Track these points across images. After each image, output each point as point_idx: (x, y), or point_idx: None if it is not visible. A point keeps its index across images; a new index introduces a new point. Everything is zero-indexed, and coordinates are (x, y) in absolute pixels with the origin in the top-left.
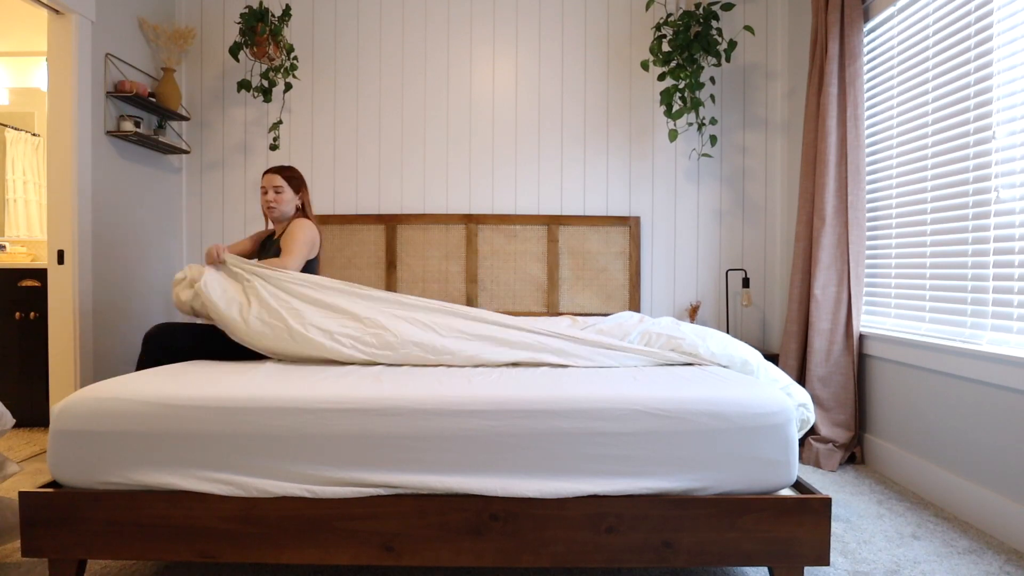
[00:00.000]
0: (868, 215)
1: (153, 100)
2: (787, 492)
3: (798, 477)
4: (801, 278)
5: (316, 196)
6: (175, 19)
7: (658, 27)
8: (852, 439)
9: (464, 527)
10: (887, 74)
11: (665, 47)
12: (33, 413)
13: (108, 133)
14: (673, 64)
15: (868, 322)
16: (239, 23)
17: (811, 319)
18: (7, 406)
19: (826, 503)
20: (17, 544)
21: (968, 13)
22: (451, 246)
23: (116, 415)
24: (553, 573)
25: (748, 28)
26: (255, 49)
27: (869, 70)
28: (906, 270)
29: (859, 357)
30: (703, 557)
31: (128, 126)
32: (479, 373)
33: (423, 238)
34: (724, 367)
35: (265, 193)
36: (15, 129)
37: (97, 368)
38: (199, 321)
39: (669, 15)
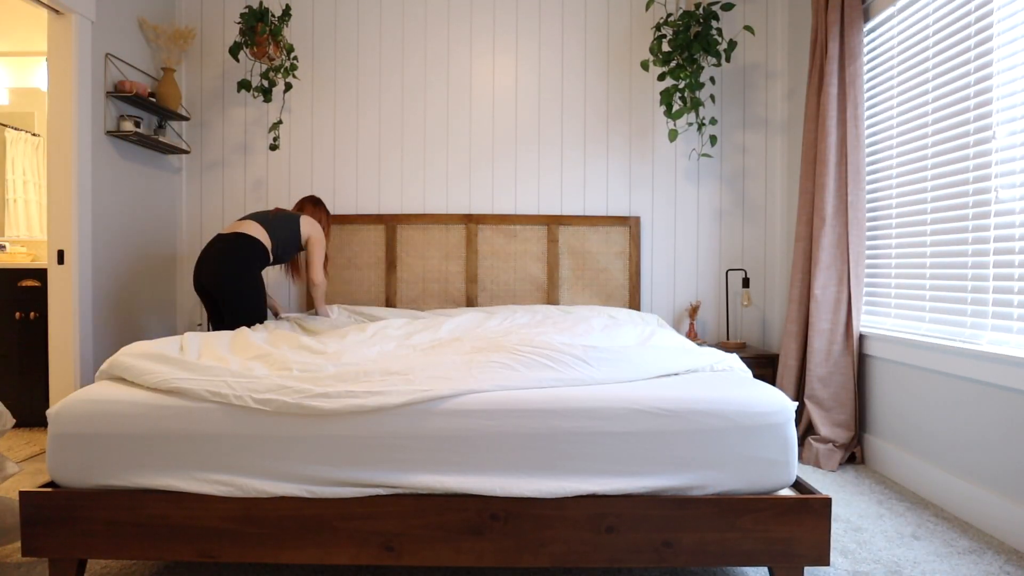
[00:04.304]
0: (868, 215)
1: (153, 100)
2: (787, 492)
3: (798, 477)
4: (801, 278)
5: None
6: (175, 19)
7: (658, 27)
8: (852, 439)
9: (464, 527)
10: (887, 74)
11: (665, 47)
12: (33, 413)
13: (108, 133)
14: (673, 64)
15: (868, 322)
16: (239, 23)
17: (811, 319)
18: (7, 406)
19: (826, 503)
20: (17, 544)
21: (968, 13)
22: (451, 246)
23: (113, 417)
24: (553, 573)
25: (748, 28)
26: (255, 49)
27: (869, 70)
28: (906, 270)
29: (859, 357)
30: (703, 557)
31: (128, 126)
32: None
33: (423, 238)
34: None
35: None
36: (15, 129)
37: (97, 368)
38: None
39: (669, 15)
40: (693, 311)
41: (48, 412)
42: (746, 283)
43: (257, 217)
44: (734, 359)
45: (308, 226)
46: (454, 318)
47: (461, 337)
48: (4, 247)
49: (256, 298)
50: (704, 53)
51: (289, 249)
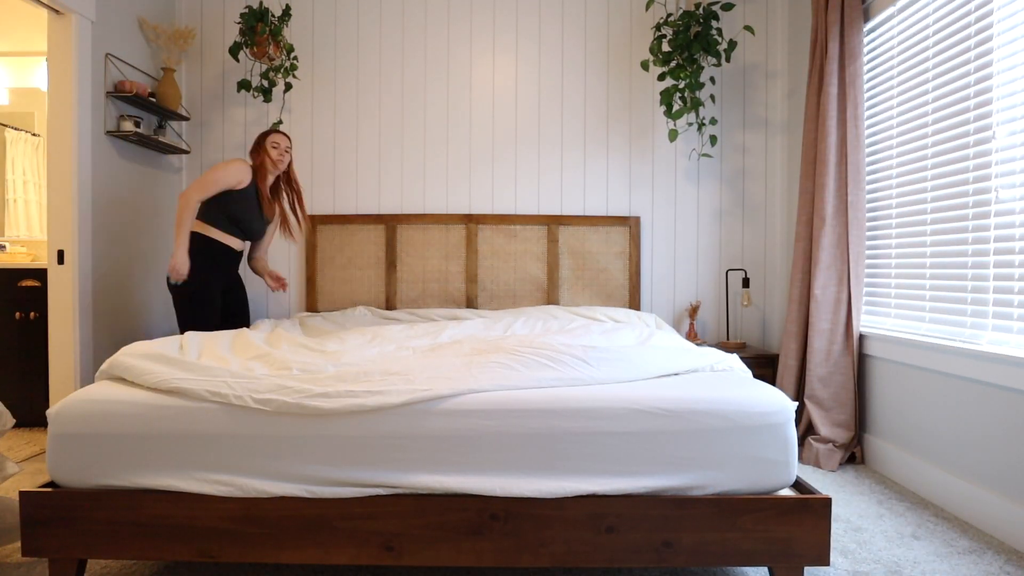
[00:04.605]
0: (868, 215)
1: (153, 100)
2: (787, 492)
3: (798, 477)
4: (801, 278)
5: (316, 196)
6: (175, 19)
7: (658, 27)
8: (852, 439)
9: (464, 527)
10: (887, 74)
11: (665, 47)
12: (33, 413)
13: (108, 133)
14: (673, 64)
15: (868, 322)
16: (239, 23)
17: (811, 319)
18: (7, 406)
19: (826, 503)
20: (17, 544)
21: (968, 13)
22: (451, 246)
23: (113, 417)
24: (553, 573)
25: (748, 28)
26: (255, 49)
27: (869, 70)
28: (906, 270)
29: (859, 357)
30: (703, 557)
31: (128, 126)
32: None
33: (423, 238)
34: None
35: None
36: (15, 129)
37: (97, 368)
38: None
39: (669, 15)
40: (693, 311)
41: (48, 412)
42: (746, 283)
43: None
44: (734, 359)
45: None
46: (452, 329)
47: (461, 340)
48: (4, 247)
49: (180, 302)
50: (704, 53)
51: (227, 217)
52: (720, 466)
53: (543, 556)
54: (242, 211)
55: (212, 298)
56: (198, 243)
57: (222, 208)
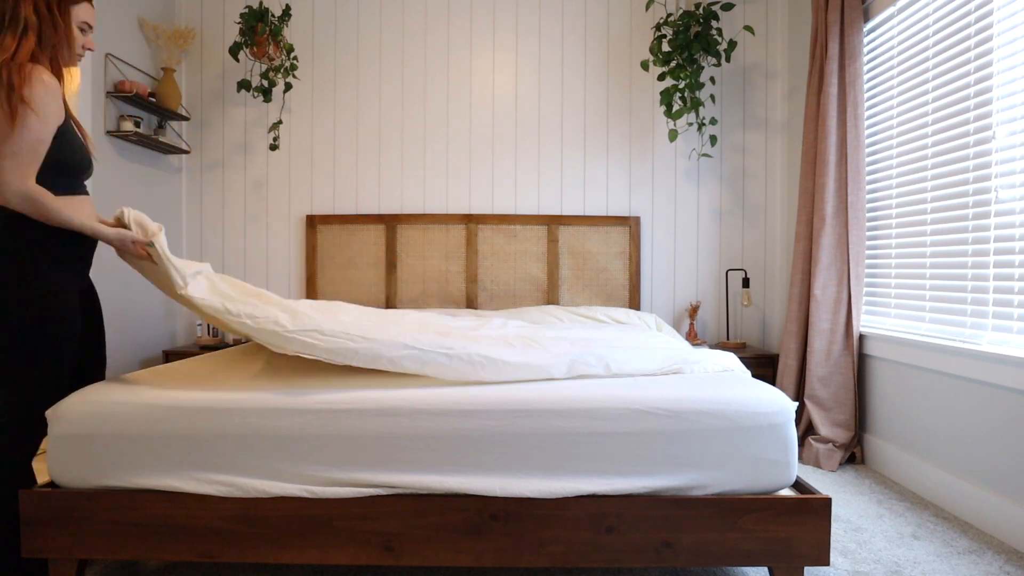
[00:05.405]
0: (868, 215)
1: (153, 100)
2: (787, 492)
3: (798, 477)
4: (801, 278)
5: (316, 196)
6: (175, 19)
7: (658, 27)
8: (852, 439)
9: (464, 527)
10: (887, 74)
11: (665, 47)
12: None
13: (108, 133)
14: (673, 64)
15: (868, 322)
16: (239, 23)
17: (811, 319)
18: None
19: (826, 503)
20: None
21: (968, 13)
22: (451, 246)
23: (112, 418)
24: (553, 573)
25: (748, 28)
26: (255, 49)
27: (869, 70)
28: (906, 270)
29: (859, 357)
30: (703, 557)
31: (128, 126)
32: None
33: (423, 238)
34: None
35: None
36: None
37: None
38: None
39: (669, 15)
40: (693, 311)
41: (48, 412)
42: (746, 283)
43: None
44: (723, 357)
45: None
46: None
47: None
48: None
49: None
50: (704, 53)
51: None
52: (720, 466)
53: (543, 556)
54: (75, 150)
55: (72, 312)
56: (34, 229)
57: (53, 159)
